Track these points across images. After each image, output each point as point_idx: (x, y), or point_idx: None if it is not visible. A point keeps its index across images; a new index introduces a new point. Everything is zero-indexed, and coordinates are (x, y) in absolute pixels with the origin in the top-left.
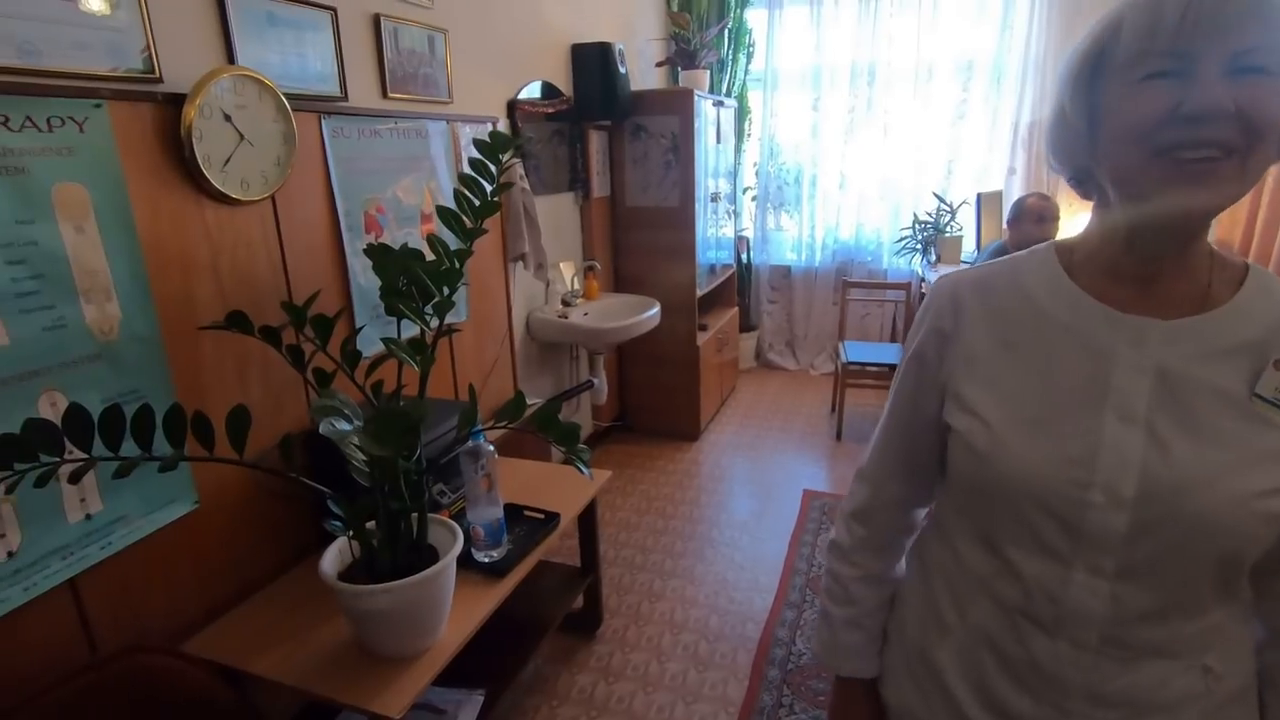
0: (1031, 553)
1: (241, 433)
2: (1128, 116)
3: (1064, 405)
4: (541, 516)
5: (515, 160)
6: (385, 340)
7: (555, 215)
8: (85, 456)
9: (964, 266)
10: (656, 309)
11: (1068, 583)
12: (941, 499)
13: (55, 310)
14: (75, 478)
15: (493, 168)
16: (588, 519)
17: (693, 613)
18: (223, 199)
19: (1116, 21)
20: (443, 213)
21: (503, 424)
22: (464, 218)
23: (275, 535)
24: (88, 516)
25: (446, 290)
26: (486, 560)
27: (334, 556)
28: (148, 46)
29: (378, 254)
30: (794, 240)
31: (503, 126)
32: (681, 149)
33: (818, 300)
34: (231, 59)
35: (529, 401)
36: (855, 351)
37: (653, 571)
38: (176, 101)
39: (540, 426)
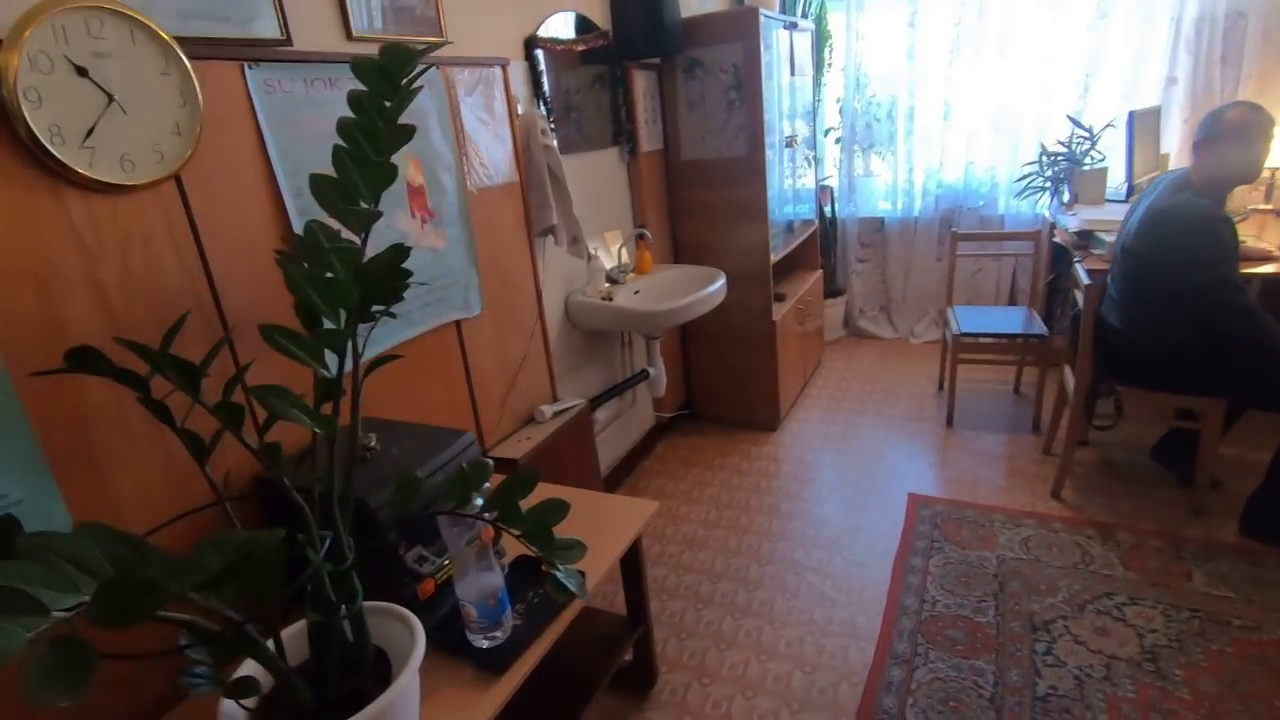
0: None
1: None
2: None
3: None
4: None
5: (536, 111)
6: (259, 392)
7: (596, 176)
8: None
9: (1109, 206)
10: (721, 282)
11: None
12: None
13: None
14: None
15: (387, 105)
16: (633, 561)
17: (771, 667)
18: (94, 186)
19: None
20: (320, 188)
21: (447, 510)
22: (355, 189)
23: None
24: None
25: (342, 313)
26: (485, 645)
27: (246, 698)
28: None
29: (287, 258)
30: (888, 187)
31: (520, 71)
32: (747, 85)
33: (918, 257)
34: None
35: (570, 403)
36: (969, 319)
37: (723, 606)
38: None
39: (501, 514)
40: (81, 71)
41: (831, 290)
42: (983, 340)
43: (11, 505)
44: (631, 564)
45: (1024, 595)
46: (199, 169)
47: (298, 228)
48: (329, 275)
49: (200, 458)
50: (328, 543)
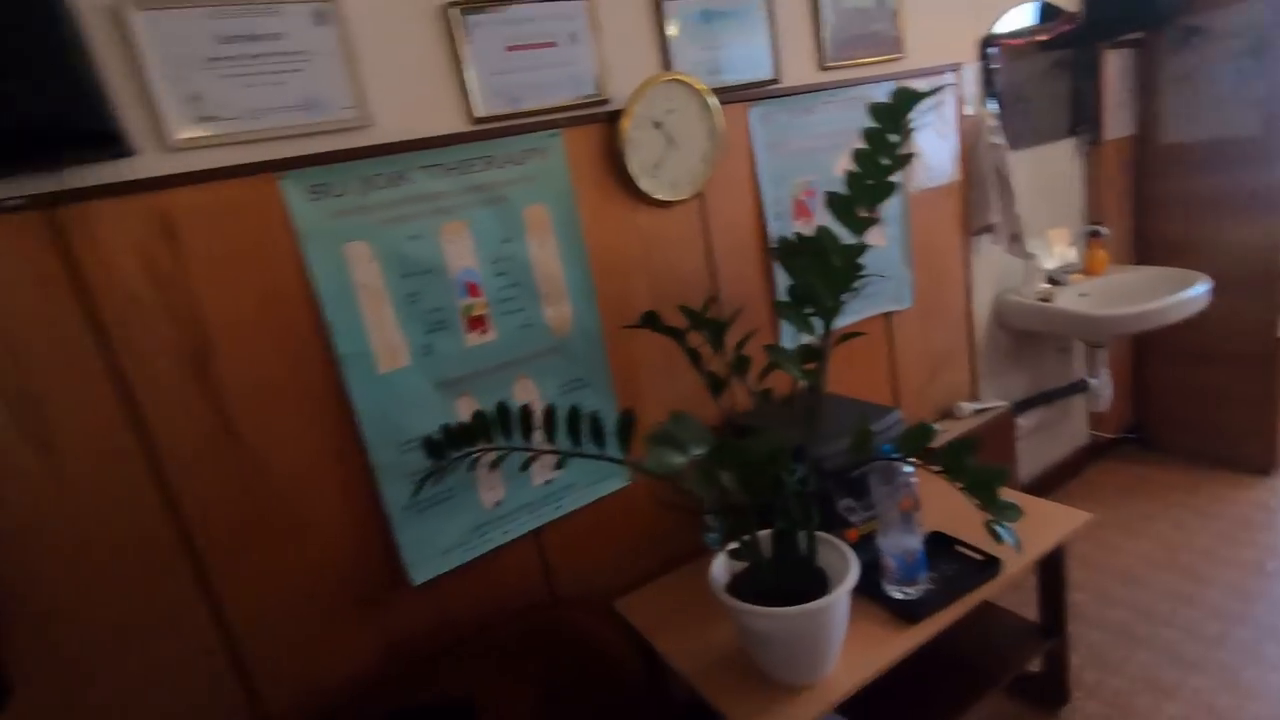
0: None
1: (627, 433)
2: None
3: None
4: (979, 558)
5: (985, 110)
6: (768, 348)
7: (1044, 170)
8: (512, 447)
9: None
10: (1200, 288)
11: None
12: None
13: (526, 312)
14: (526, 465)
15: (892, 139)
16: (1052, 568)
17: None
18: (654, 203)
19: None
20: (833, 201)
21: (896, 458)
22: (857, 205)
23: (691, 519)
24: (547, 482)
25: (839, 292)
26: (899, 597)
27: (726, 561)
28: (598, 72)
29: (786, 252)
30: None
31: (973, 72)
32: (1268, 49)
33: None
34: (668, 65)
35: (992, 404)
36: None
37: (1161, 652)
38: (616, 118)
39: (947, 467)
40: (657, 125)
41: None
42: None
43: (586, 385)
44: (1052, 571)
45: None
46: (712, 187)
47: (773, 230)
48: (827, 265)
49: (716, 394)
50: (797, 472)
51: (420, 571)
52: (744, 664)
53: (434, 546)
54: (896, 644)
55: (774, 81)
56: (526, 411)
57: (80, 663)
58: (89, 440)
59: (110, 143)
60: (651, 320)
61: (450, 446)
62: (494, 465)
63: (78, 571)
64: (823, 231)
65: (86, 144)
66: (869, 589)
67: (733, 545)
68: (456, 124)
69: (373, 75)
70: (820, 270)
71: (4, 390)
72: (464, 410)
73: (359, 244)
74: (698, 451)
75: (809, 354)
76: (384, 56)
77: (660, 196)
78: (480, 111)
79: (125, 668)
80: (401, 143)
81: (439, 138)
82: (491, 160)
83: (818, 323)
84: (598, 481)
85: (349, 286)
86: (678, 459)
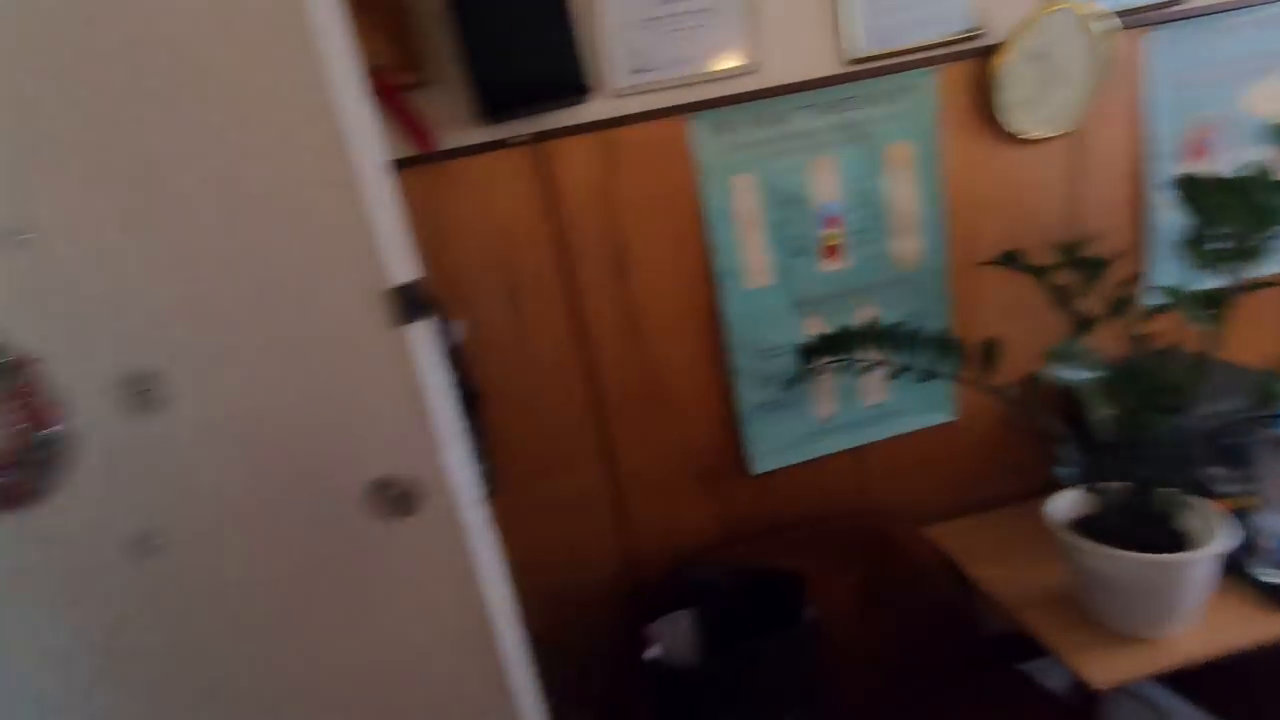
0: None
1: (991, 360)
2: None
3: None
4: None
5: None
6: (1164, 289)
7: None
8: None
9: None
10: None
11: None
12: None
13: (877, 245)
14: (892, 375)
15: None
16: None
17: None
18: (1018, 139)
19: None
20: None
21: None
22: None
23: (1019, 464)
24: (876, 405)
25: (1264, 234)
26: (1275, 581)
27: (1069, 501)
28: (975, 7)
29: (1191, 187)
30: None
31: None
32: None
33: None
34: None
35: None
36: None
37: None
38: (988, 53)
39: None
40: (1038, 58)
41: None
42: None
43: (925, 318)
44: None
45: None
46: (1088, 123)
47: (1151, 171)
48: (1253, 205)
49: (1081, 331)
50: (1177, 422)
51: (761, 463)
52: (1071, 606)
53: (773, 445)
54: (1260, 627)
55: (1175, 1)
56: (894, 329)
57: (527, 481)
58: (543, 317)
59: (583, 93)
60: (1012, 258)
61: (822, 352)
62: (863, 371)
63: (530, 417)
64: (1256, 167)
65: (569, 94)
66: (1233, 568)
67: (1085, 485)
68: (830, 67)
69: (764, 25)
70: (1244, 210)
71: (503, 272)
72: (812, 328)
73: (743, 176)
74: (1098, 372)
75: (1209, 299)
76: (774, 7)
77: (1032, 134)
78: (854, 54)
79: (554, 491)
80: (785, 85)
81: (816, 80)
82: (861, 100)
83: (1225, 268)
84: (923, 413)
85: (730, 212)
86: (1080, 374)
